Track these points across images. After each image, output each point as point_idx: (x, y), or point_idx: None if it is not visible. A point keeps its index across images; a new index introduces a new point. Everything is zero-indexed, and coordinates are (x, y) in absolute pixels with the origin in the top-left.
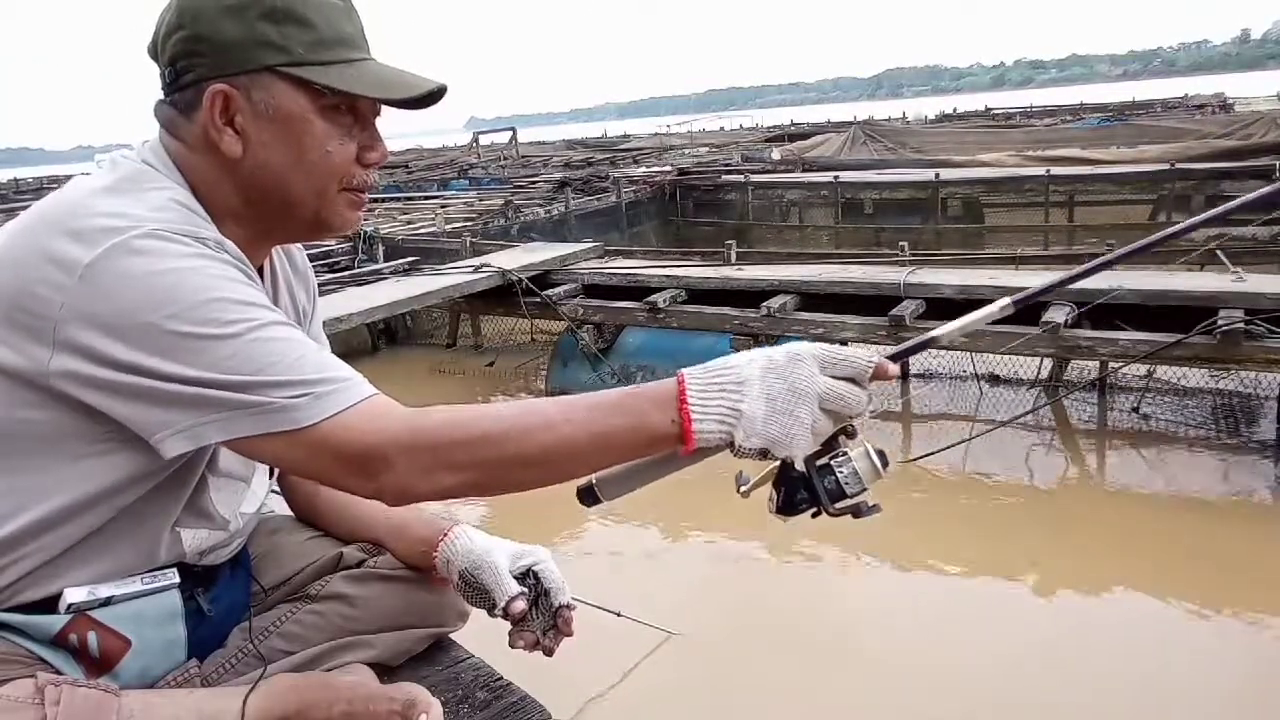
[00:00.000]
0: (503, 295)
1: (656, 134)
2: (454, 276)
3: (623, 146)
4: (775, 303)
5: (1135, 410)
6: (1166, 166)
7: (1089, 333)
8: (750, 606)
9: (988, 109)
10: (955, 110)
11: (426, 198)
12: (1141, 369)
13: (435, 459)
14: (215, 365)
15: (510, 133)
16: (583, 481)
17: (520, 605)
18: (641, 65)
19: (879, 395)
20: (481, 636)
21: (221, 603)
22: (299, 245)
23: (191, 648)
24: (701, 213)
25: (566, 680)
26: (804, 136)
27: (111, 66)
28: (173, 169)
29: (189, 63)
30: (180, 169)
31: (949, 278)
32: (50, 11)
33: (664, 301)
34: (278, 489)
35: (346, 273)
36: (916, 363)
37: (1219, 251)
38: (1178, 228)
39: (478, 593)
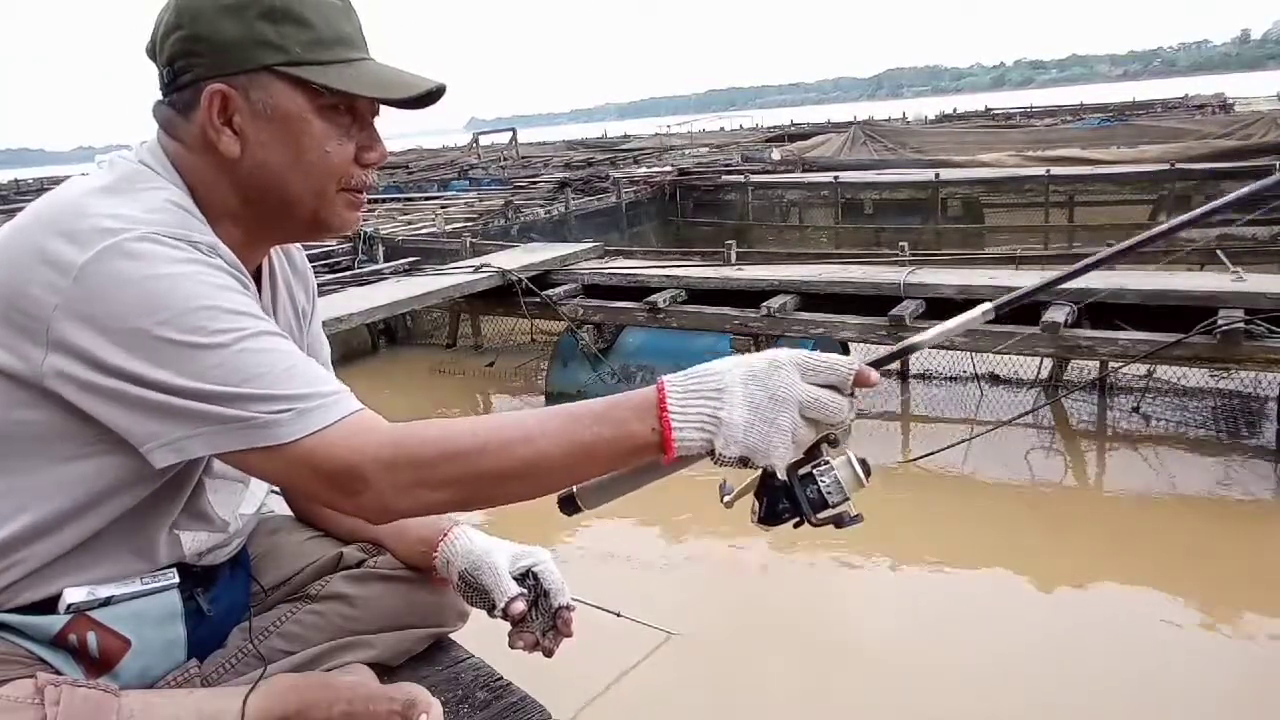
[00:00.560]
0: (503, 295)
1: (657, 134)
2: (454, 277)
3: (623, 147)
4: (775, 303)
5: (1135, 410)
6: (1166, 167)
7: (1089, 332)
8: (750, 606)
9: (988, 109)
10: (955, 110)
11: (427, 198)
12: (1141, 369)
13: (415, 476)
14: (202, 375)
15: (510, 133)
16: (564, 490)
17: (520, 606)
18: (641, 66)
19: (879, 395)
20: (481, 636)
21: (221, 603)
22: (298, 245)
23: (191, 648)
24: (701, 213)
25: (566, 680)
26: (804, 137)
27: (112, 67)
28: (170, 169)
29: (187, 62)
30: (178, 169)
31: (949, 278)
32: (50, 11)
33: (664, 301)
34: (278, 489)
35: (347, 273)
36: (916, 363)
37: (1219, 251)
38: (1162, 228)
39: (477, 593)
